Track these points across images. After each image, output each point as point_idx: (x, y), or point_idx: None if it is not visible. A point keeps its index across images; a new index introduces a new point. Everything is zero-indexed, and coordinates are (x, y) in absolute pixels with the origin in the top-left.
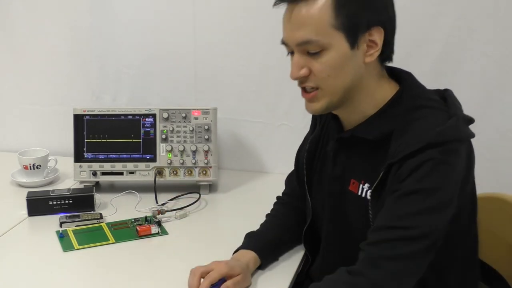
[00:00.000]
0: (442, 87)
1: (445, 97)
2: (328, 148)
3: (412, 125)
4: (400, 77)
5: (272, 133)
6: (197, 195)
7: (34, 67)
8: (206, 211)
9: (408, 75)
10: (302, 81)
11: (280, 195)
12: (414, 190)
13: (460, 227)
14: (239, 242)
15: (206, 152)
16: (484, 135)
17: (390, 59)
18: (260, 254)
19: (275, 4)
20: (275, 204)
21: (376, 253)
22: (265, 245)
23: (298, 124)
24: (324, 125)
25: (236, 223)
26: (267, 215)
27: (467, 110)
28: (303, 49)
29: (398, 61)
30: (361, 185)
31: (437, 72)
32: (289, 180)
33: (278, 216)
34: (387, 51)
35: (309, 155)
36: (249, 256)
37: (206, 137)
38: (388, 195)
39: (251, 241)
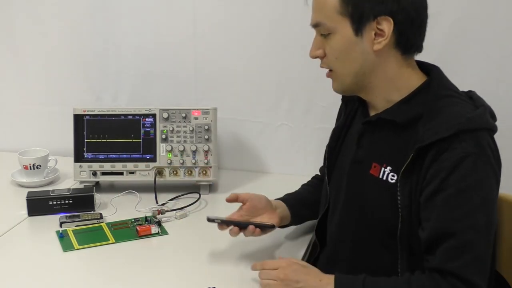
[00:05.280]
0: None
1: (471, 96)
2: (353, 132)
3: (441, 111)
4: (429, 69)
5: (272, 133)
6: (197, 195)
7: (34, 67)
8: (206, 211)
9: (437, 68)
10: (321, 62)
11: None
12: (461, 189)
13: None
14: (239, 241)
15: (206, 152)
16: None
17: (411, 48)
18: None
19: None
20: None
21: (447, 265)
22: (295, 199)
23: (298, 124)
24: (349, 115)
25: None
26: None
27: None
28: (318, 30)
29: None
30: (383, 168)
31: None
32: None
33: (312, 184)
34: (402, 40)
35: (332, 143)
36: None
37: (206, 137)
38: (430, 194)
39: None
